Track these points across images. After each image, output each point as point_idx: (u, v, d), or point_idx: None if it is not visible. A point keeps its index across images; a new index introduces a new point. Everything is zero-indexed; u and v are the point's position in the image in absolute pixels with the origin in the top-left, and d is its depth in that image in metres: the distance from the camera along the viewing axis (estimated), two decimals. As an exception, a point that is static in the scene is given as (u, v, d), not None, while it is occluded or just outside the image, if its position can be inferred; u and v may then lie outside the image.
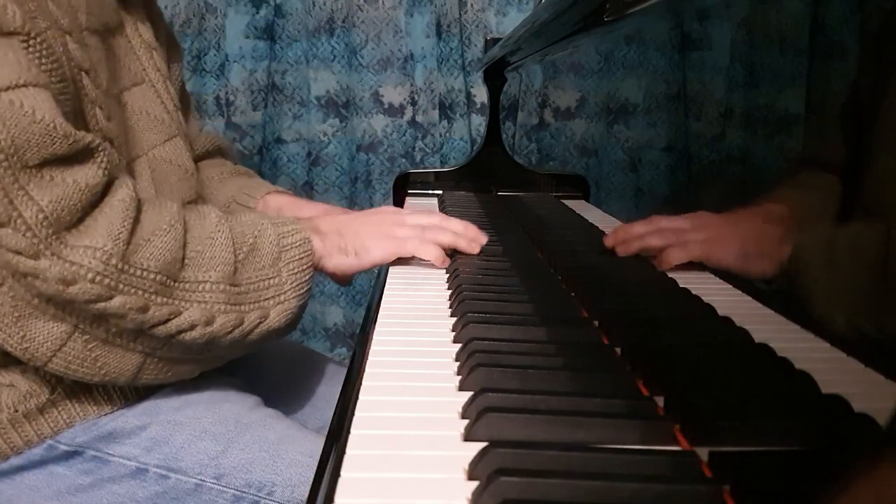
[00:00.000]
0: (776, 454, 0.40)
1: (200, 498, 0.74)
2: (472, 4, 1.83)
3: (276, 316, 0.72)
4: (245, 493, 0.74)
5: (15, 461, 0.72)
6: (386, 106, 1.84)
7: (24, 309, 0.61)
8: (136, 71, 0.79)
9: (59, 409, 0.72)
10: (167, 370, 0.70)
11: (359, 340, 0.63)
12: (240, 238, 0.70)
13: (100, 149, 0.63)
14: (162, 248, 0.64)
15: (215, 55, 1.82)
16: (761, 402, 0.47)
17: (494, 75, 1.46)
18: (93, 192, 0.61)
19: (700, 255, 0.77)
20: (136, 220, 0.64)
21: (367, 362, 0.54)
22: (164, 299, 0.64)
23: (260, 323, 0.71)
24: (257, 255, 0.71)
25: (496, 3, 1.83)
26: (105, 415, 0.74)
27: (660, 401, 0.47)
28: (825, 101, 0.59)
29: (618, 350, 0.56)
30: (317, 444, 0.75)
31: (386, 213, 0.85)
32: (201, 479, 0.74)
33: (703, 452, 0.41)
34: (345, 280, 0.84)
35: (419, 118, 1.84)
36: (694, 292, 0.68)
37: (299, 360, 1.02)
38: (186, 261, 0.66)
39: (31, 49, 0.60)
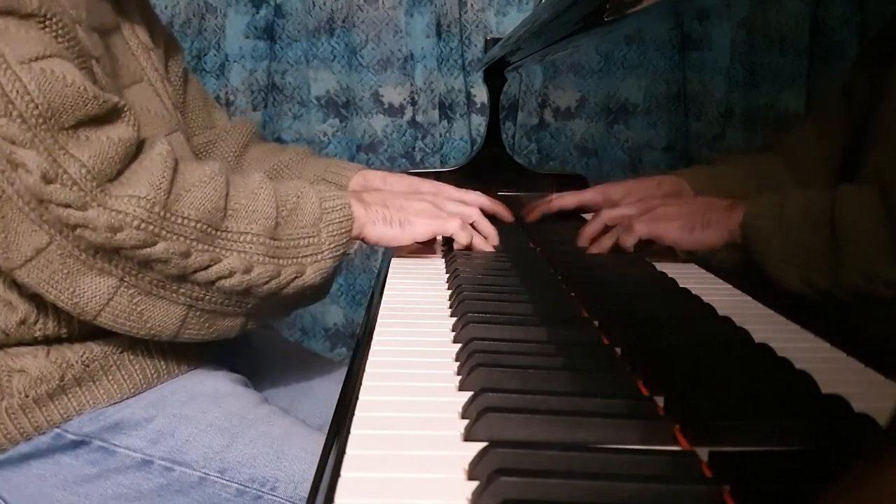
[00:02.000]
0: (776, 454, 0.40)
1: (204, 491, 0.75)
2: (472, 4, 1.83)
3: (312, 273, 0.73)
4: (248, 487, 0.75)
5: (23, 449, 0.73)
6: (386, 106, 1.84)
7: (72, 265, 0.64)
8: (135, 70, 0.80)
9: (69, 395, 0.73)
10: (209, 325, 0.72)
11: (359, 340, 0.63)
12: (283, 197, 0.73)
13: (126, 108, 0.67)
14: (201, 198, 0.67)
15: (215, 55, 1.81)
16: (761, 402, 0.47)
17: (494, 75, 1.46)
18: (127, 146, 0.65)
19: (647, 232, 0.82)
20: (175, 172, 0.67)
21: (367, 362, 0.54)
22: (205, 246, 0.67)
23: (296, 278, 0.72)
24: (299, 215, 0.73)
25: (496, 3, 1.83)
26: (114, 403, 0.75)
27: (660, 401, 0.47)
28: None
29: (618, 350, 0.56)
30: (320, 442, 0.76)
31: (430, 191, 0.89)
32: (205, 473, 0.75)
33: (703, 452, 0.41)
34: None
35: (419, 118, 1.84)
36: (694, 292, 0.68)
37: (299, 359, 1.02)
38: (230, 212, 0.69)
39: (47, 30, 0.64)
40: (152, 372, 0.77)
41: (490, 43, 1.54)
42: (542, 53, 1.22)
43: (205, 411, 0.77)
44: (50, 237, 0.63)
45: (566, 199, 1.08)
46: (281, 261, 0.71)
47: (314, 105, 1.84)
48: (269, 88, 1.84)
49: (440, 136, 1.85)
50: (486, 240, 0.88)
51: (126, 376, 0.76)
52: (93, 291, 0.66)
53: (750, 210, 0.64)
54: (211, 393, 0.79)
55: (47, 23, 0.64)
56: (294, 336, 1.90)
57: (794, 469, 0.39)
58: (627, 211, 0.86)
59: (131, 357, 0.76)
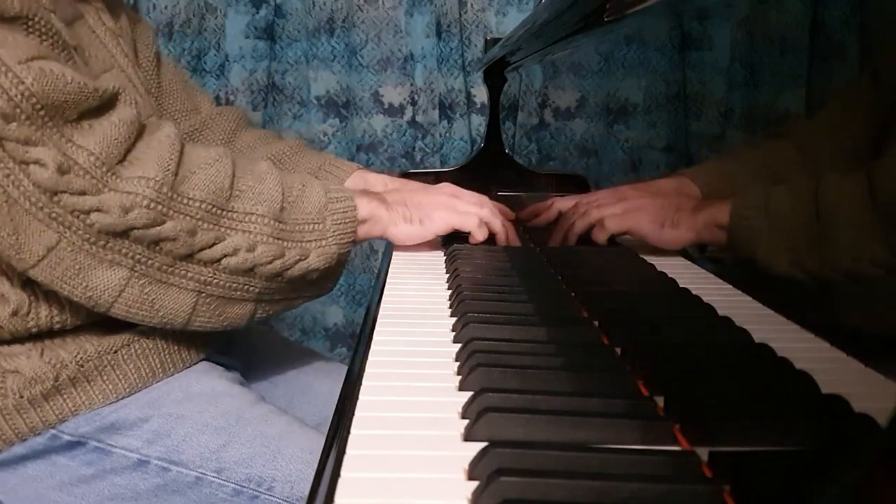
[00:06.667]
0: (776, 454, 0.40)
1: (201, 491, 0.75)
2: (472, 4, 1.83)
3: (316, 257, 0.75)
4: (245, 487, 0.75)
5: (18, 450, 0.73)
6: (386, 106, 1.84)
7: (83, 260, 0.66)
8: (104, 58, 0.80)
9: (64, 396, 0.73)
10: (219, 312, 0.73)
11: (359, 340, 0.63)
12: (289, 184, 0.76)
13: (121, 90, 0.70)
14: (206, 180, 0.70)
15: (215, 55, 1.81)
16: (761, 402, 0.47)
17: (494, 75, 1.46)
18: (130, 126, 0.67)
19: (617, 227, 0.86)
20: (182, 154, 0.70)
21: (367, 362, 0.54)
22: (211, 225, 0.70)
23: (300, 260, 0.74)
24: (305, 201, 0.76)
25: (496, 3, 1.83)
26: (109, 403, 0.75)
27: (660, 401, 0.47)
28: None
29: (618, 350, 0.56)
30: (317, 441, 0.76)
31: (447, 189, 0.92)
32: (202, 473, 0.75)
33: (703, 452, 0.41)
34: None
35: (419, 118, 1.84)
36: (694, 292, 0.68)
37: (298, 358, 1.02)
38: (235, 192, 0.72)
39: (31, 32, 0.65)
40: (147, 371, 0.77)
41: (490, 43, 1.54)
42: (542, 53, 1.22)
43: (201, 411, 0.77)
44: (59, 234, 0.64)
45: (565, 202, 1.04)
46: (285, 243, 0.73)
47: (314, 105, 1.84)
48: (269, 88, 1.84)
49: (440, 136, 1.85)
50: (499, 236, 0.91)
51: (121, 376, 0.75)
52: (105, 284, 0.68)
53: (737, 206, 0.66)
54: (207, 392, 0.79)
55: (30, 24, 0.65)
56: (294, 336, 1.90)
57: (794, 469, 0.39)
58: (602, 202, 0.89)
59: (126, 356, 0.76)
